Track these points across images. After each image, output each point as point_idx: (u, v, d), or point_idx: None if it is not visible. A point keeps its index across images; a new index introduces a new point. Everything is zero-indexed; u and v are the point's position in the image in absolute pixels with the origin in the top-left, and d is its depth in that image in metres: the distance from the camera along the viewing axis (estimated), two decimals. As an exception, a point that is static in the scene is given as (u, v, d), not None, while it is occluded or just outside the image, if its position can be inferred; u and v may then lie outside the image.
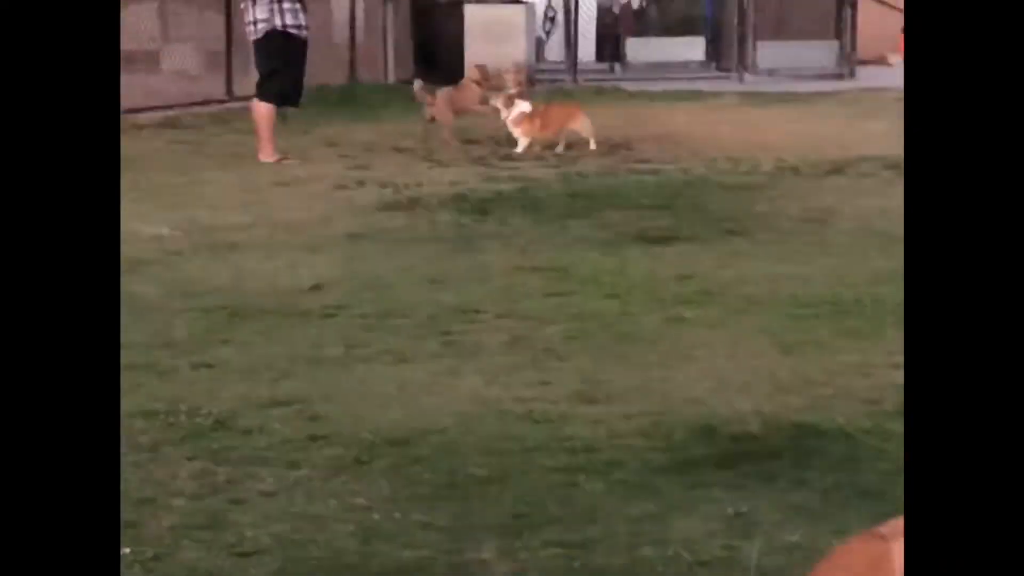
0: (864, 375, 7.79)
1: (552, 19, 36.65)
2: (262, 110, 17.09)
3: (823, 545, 5.35)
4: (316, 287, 9.92)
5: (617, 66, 34.29)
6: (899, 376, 7.63)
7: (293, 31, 16.64)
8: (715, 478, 6.10)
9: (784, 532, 5.50)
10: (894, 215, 12.97)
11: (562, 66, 32.82)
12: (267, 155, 16.97)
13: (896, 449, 6.46)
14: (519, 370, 7.75)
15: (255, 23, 16.65)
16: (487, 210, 13.32)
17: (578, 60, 32.47)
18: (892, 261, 10.91)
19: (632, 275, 10.35)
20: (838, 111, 22.96)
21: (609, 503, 5.80)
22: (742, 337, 8.57)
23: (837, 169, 16.28)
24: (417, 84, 19.82)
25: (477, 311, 9.14)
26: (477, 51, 26.03)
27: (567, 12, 33.88)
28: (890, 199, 13.83)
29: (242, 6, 17.37)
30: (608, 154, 17.79)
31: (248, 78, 20.39)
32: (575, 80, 30.59)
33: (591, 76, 31.66)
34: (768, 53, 31.88)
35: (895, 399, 7.24)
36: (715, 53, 34.09)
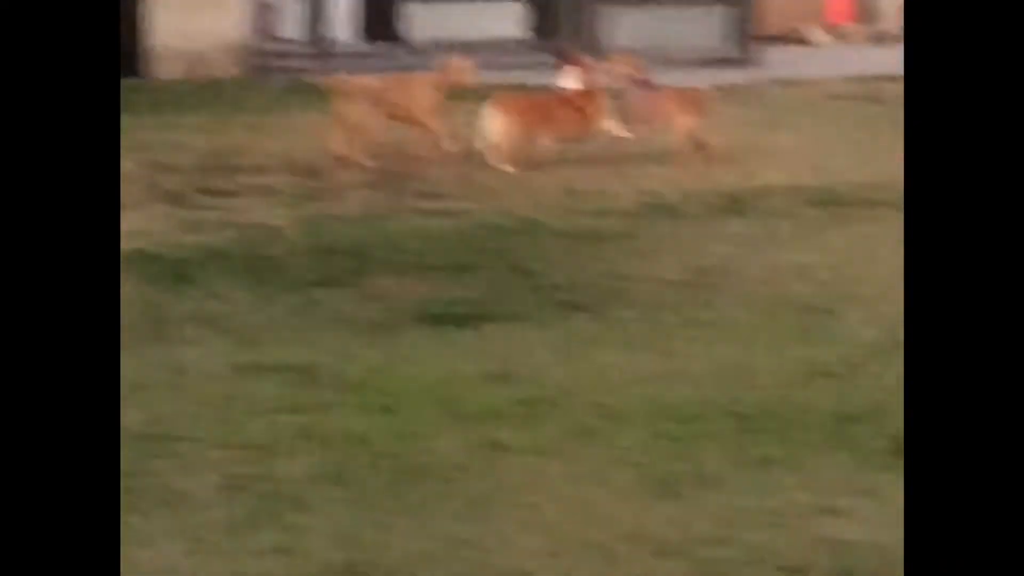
0: (780, 527, 7.87)
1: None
2: None
3: None
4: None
5: (390, 46, 34.06)
6: (833, 527, 7.80)
7: None
8: None
9: None
10: (823, 276, 13.18)
11: (307, 48, 32.52)
12: None
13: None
14: (240, 532, 7.64)
15: None
16: (188, 276, 13.16)
17: (332, 38, 32.21)
18: (821, 349, 11.03)
19: (417, 376, 10.29)
20: (733, 117, 23.05)
21: None
22: (591, 472, 8.57)
23: (734, 207, 16.47)
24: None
25: (174, 438, 8.99)
26: (168, 23, 25.77)
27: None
28: (814, 252, 14.07)
29: None
30: (379, 185, 17.73)
31: None
32: (326, 70, 29.98)
33: (352, 61, 31.25)
34: (625, 26, 32.01)
35: (830, 565, 7.36)
36: (543, 26, 34.12)
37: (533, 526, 7.75)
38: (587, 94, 18.93)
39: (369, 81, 19.38)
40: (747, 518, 7.94)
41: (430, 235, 15.21)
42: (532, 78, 26.02)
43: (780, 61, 30.02)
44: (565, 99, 19.23)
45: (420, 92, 19.28)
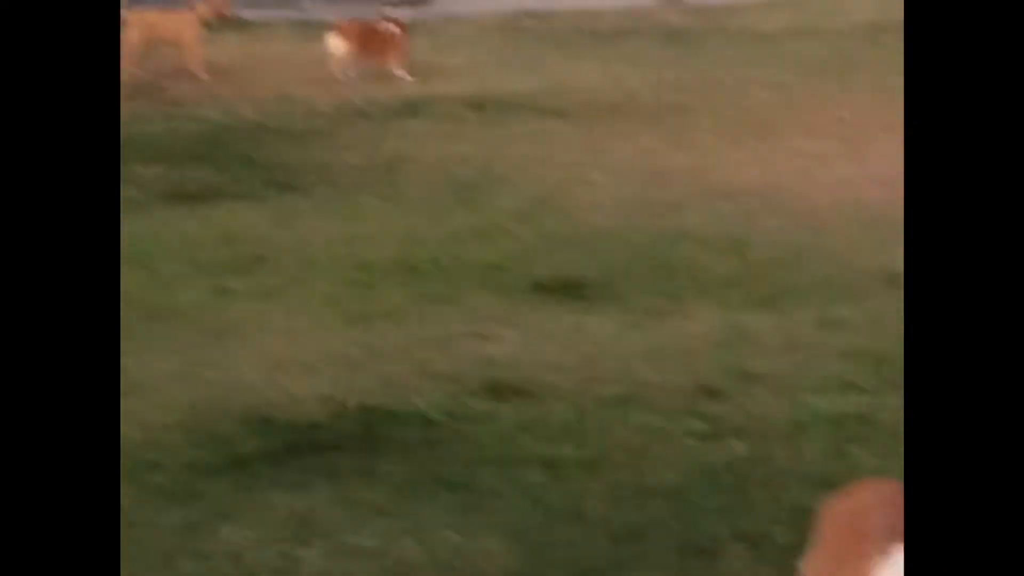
0: (443, 348, 8.13)
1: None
2: None
3: (395, 548, 5.67)
4: None
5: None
6: (483, 348, 8.16)
7: None
8: (270, 476, 6.27)
9: (351, 534, 5.72)
10: (477, 162, 13.51)
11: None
12: None
13: (482, 433, 6.84)
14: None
15: None
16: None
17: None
18: (476, 216, 11.40)
19: (165, 240, 10.38)
20: (415, 45, 23.06)
21: (143, 513, 5.85)
22: (301, 309, 8.79)
23: (411, 110, 16.62)
24: None
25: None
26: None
27: None
28: (472, 144, 14.35)
29: None
30: (142, 94, 17.47)
31: None
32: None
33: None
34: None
35: (480, 375, 7.67)
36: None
37: (257, 351, 7.95)
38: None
39: (144, 13, 19.23)
40: (418, 342, 8.22)
41: (178, 133, 15.15)
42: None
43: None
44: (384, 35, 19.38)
45: (184, 23, 19.32)
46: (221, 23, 20.16)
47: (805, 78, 18.40)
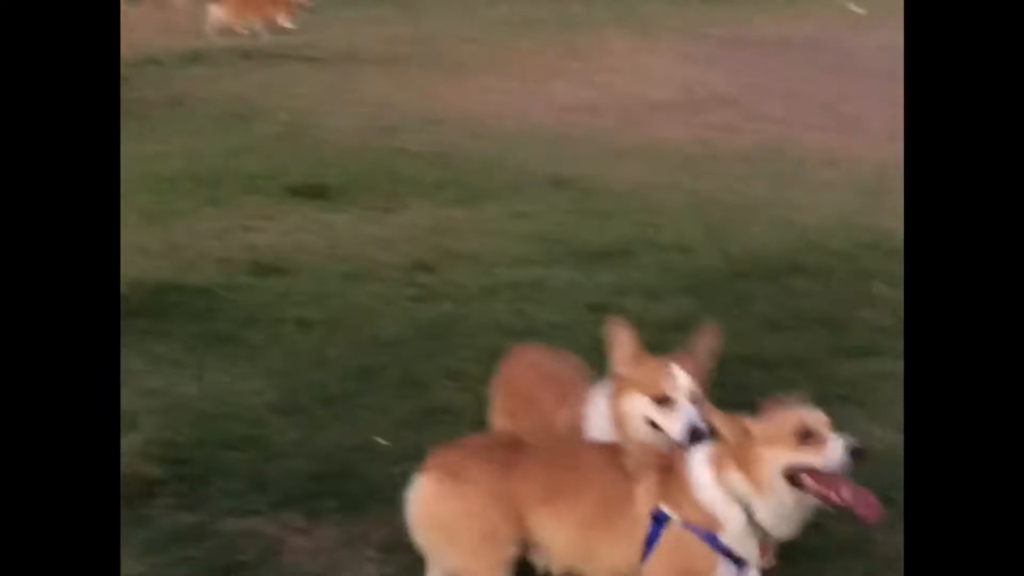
0: (220, 238, 7.95)
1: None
2: None
3: (181, 388, 5.56)
4: None
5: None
6: (250, 238, 7.94)
7: None
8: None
9: (148, 378, 5.58)
10: (245, 98, 13.21)
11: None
12: None
13: (249, 301, 6.73)
14: None
15: None
16: None
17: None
18: (244, 138, 11.16)
19: None
20: None
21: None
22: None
23: (195, 58, 16.10)
24: None
25: None
26: None
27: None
28: (241, 84, 14.03)
29: None
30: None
31: None
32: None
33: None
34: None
35: (247, 257, 7.49)
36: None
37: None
38: None
39: None
40: (201, 234, 8.01)
41: None
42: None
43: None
44: None
45: None
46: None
47: (496, 33, 18.45)
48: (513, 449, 3.63)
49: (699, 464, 3.48)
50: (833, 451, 3.26)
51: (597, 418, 3.86)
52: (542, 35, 17.95)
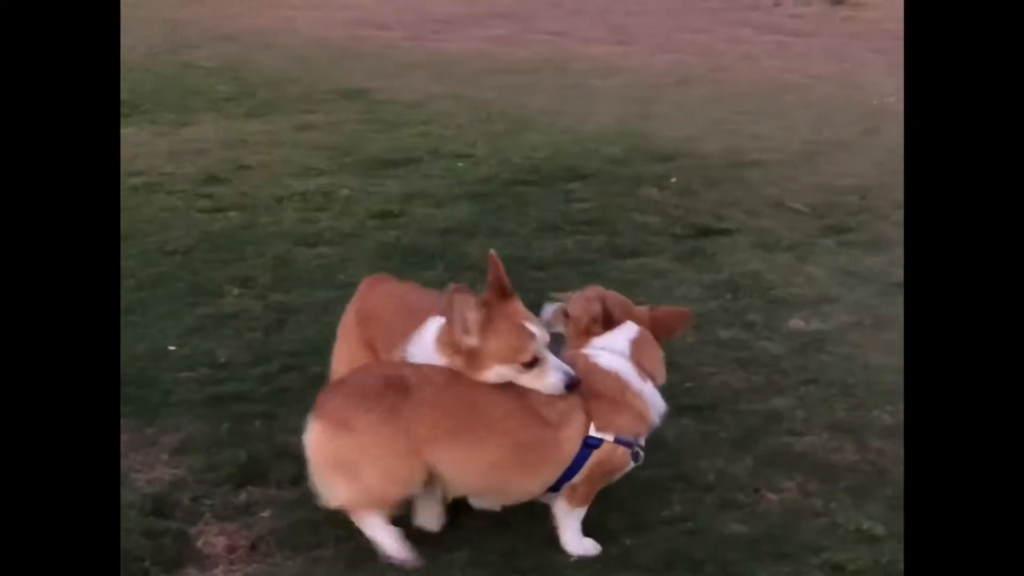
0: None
1: None
2: None
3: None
4: None
5: None
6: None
7: None
8: None
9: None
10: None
11: None
12: None
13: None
14: None
15: None
16: None
17: None
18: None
19: None
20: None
21: None
22: None
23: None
24: None
25: None
26: None
27: None
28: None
29: None
30: None
31: None
32: None
33: None
34: None
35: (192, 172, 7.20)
36: None
37: None
38: None
39: None
40: (145, 151, 7.63)
41: None
42: None
43: None
44: None
45: None
46: None
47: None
48: (398, 388, 3.43)
49: (630, 372, 3.53)
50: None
51: (423, 358, 3.57)
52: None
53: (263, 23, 12.76)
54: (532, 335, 3.41)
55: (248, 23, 12.62)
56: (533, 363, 3.40)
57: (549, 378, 3.40)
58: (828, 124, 8.85)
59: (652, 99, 9.72)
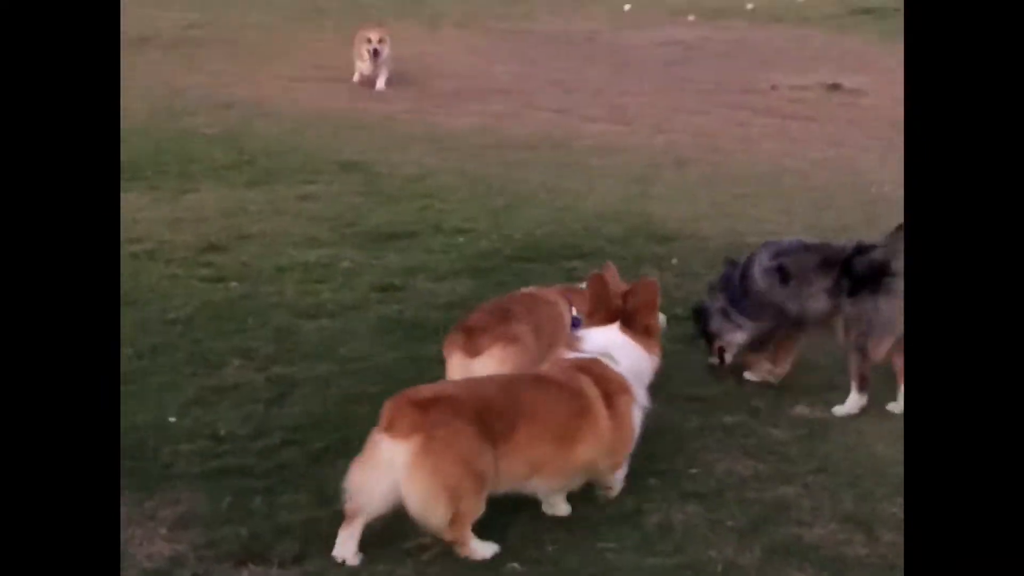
0: None
1: None
2: None
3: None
4: None
5: None
6: None
7: None
8: None
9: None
10: None
11: None
12: None
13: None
14: None
15: None
16: None
17: None
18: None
19: None
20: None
21: None
22: None
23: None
24: None
25: None
26: None
27: None
28: None
29: None
30: None
31: None
32: None
33: None
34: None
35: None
36: None
37: None
38: None
39: None
40: (145, 217, 7.64)
41: None
42: None
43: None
44: None
45: None
46: None
47: (287, 22, 18.15)
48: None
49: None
50: None
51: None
52: (330, 24, 17.74)
53: (263, 92, 12.82)
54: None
55: (248, 92, 12.68)
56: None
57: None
58: (828, 209, 8.88)
59: (651, 179, 9.75)
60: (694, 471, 4.54)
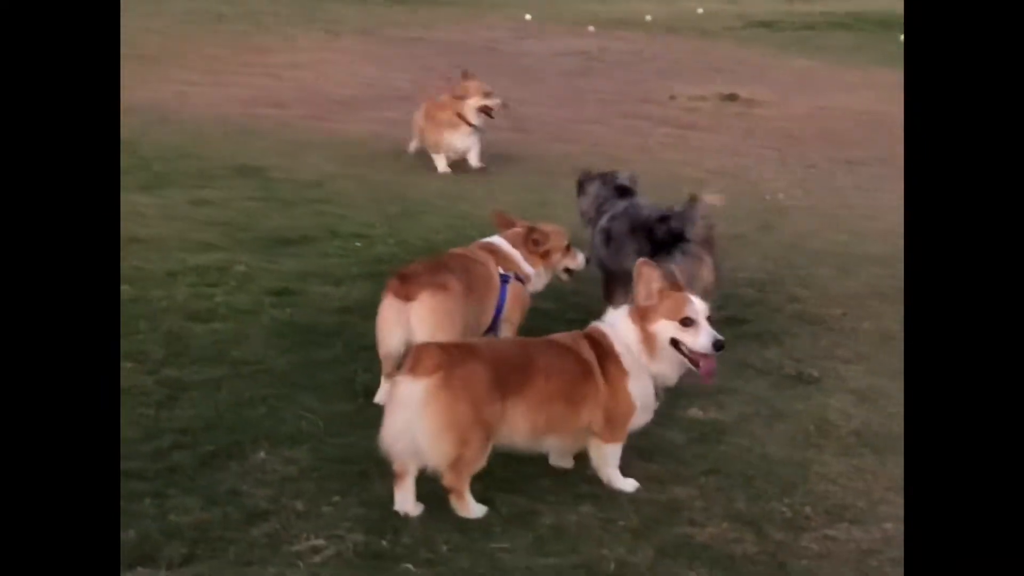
0: None
1: None
2: None
3: None
4: None
5: None
6: None
7: None
8: None
9: None
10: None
11: None
12: None
13: None
14: None
15: None
16: None
17: None
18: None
19: None
20: None
21: None
22: None
23: None
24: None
25: None
26: None
27: None
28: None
29: None
30: None
31: None
32: None
33: None
34: None
35: None
36: None
37: None
38: None
39: None
40: None
41: None
42: None
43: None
44: None
45: None
46: None
47: (183, 27, 17.93)
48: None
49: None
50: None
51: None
52: (228, 30, 17.58)
53: (159, 97, 12.64)
54: (691, 301, 4.39)
55: (143, 97, 12.48)
56: (689, 323, 4.34)
57: (701, 338, 4.33)
58: (724, 218, 9.01)
59: (549, 186, 9.82)
60: (588, 472, 4.57)
